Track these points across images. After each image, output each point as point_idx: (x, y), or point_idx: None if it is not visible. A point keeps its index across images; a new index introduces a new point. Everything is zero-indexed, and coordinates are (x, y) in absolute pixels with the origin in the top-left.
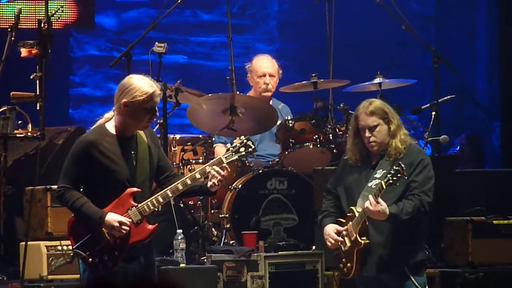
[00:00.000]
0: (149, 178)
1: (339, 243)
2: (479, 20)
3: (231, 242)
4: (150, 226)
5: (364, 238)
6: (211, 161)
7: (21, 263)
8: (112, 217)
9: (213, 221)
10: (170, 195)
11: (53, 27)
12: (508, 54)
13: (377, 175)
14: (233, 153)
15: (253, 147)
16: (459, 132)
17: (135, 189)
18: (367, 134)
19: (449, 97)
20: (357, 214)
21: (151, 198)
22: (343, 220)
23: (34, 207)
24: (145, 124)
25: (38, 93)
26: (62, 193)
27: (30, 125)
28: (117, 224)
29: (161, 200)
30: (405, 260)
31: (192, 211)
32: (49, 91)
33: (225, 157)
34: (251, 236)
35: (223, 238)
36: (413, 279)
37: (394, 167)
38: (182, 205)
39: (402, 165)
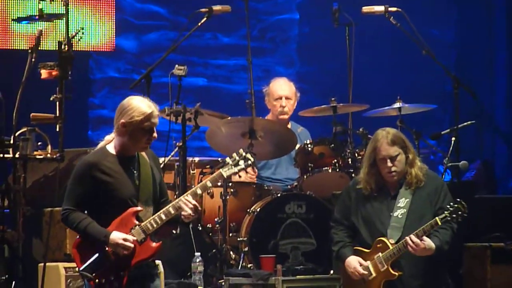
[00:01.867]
0: (153, 198)
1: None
2: (498, 46)
3: (249, 265)
4: (155, 244)
5: (396, 270)
6: (211, 176)
7: (39, 284)
8: (117, 235)
9: (231, 244)
10: (173, 212)
11: (73, 49)
12: None
13: (401, 204)
14: (233, 166)
15: (252, 159)
16: (475, 158)
17: (137, 208)
18: (389, 164)
19: (469, 122)
20: (390, 247)
21: (153, 216)
22: (366, 250)
23: (53, 228)
24: (144, 145)
25: (57, 114)
26: (66, 216)
27: (49, 147)
28: (121, 241)
29: (163, 217)
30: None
31: (210, 234)
32: (69, 112)
33: (225, 171)
34: (269, 260)
35: (241, 262)
36: None
37: (452, 204)
38: (200, 228)
39: (463, 203)
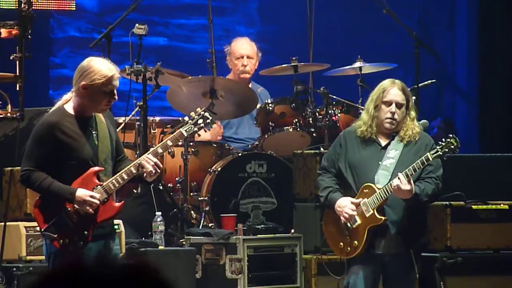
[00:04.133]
0: (111, 157)
1: (348, 220)
2: (459, 5)
3: (210, 224)
4: (117, 204)
5: (381, 215)
6: (172, 135)
7: None
8: (83, 192)
9: (192, 203)
10: (134, 171)
11: (33, 7)
12: (488, 41)
13: (391, 155)
14: (192, 126)
15: (210, 118)
16: (436, 117)
17: (98, 168)
18: (393, 109)
19: (429, 81)
20: (377, 191)
21: (115, 176)
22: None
23: (13, 187)
24: (103, 107)
25: (17, 73)
26: (27, 176)
27: (9, 106)
28: (88, 198)
29: (125, 177)
30: (414, 242)
31: (171, 193)
32: (29, 72)
33: (185, 130)
34: (230, 219)
35: (202, 221)
36: (414, 262)
37: (445, 139)
38: (161, 188)
39: (456, 138)
